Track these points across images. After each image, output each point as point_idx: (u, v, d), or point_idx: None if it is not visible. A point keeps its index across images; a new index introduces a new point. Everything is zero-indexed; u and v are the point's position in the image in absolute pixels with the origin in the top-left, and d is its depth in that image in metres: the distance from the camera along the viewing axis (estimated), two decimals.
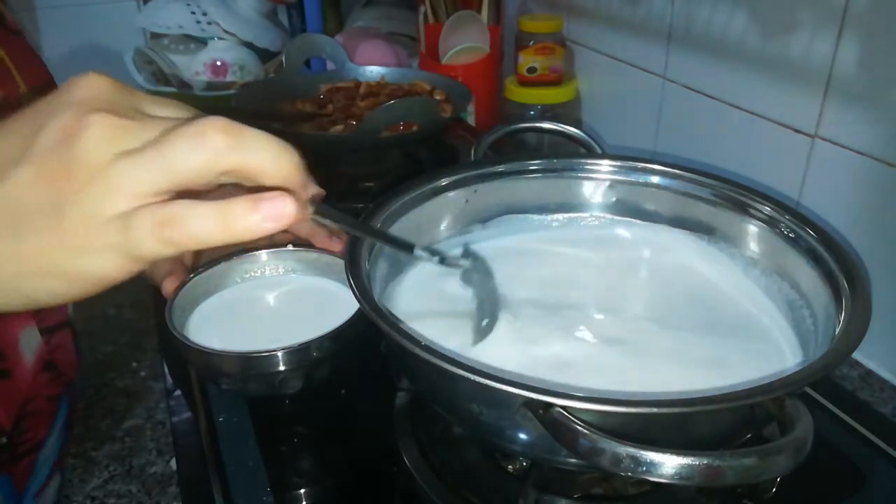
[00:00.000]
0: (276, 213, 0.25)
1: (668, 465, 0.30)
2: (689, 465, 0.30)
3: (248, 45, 1.20)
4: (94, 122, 0.25)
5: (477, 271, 0.49)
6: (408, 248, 0.43)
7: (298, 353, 0.49)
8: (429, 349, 0.36)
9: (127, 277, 0.27)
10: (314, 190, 0.30)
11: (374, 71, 1.05)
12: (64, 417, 0.55)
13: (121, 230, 0.25)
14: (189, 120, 0.26)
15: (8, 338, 0.49)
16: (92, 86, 0.26)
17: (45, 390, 0.53)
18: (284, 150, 0.27)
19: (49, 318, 0.54)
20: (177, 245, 0.25)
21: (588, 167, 0.59)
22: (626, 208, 0.59)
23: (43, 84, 0.46)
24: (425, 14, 1.10)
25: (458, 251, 0.56)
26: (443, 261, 0.45)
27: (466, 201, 0.58)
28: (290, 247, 0.59)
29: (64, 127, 0.25)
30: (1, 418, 0.48)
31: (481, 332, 0.46)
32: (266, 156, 0.26)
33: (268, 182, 0.27)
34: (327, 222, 0.33)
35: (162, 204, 0.25)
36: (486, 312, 0.47)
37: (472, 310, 0.48)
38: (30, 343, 0.51)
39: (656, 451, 0.30)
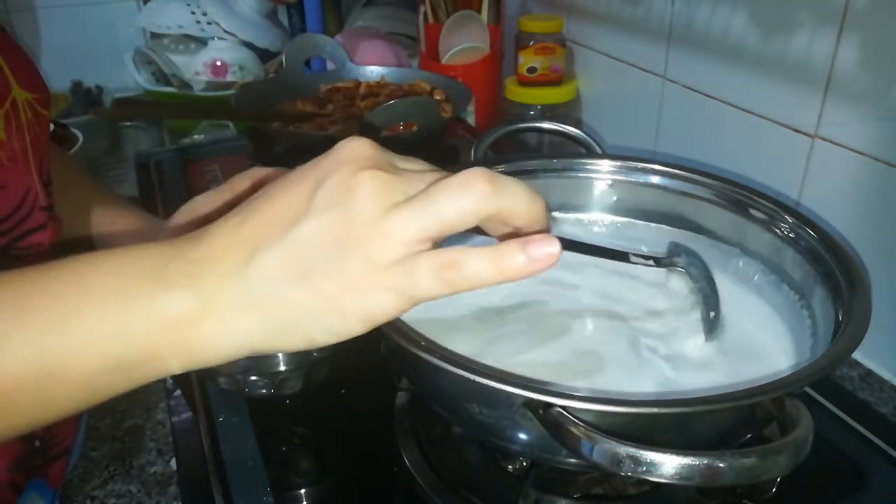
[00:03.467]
0: (545, 253, 0.28)
1: (668, 465, 0.30)
2: (689, 465, 0.30)
3: (248, 45, 1.20)
4: (367, 177, 0.28)
5: (692, 266, 0.50)
6: (623, 256, 0.45)
7: (299, 354, 0.49)
8: (429, 349, 0.36)
9: (398, 315, 0.29)
10: (550, 225, 0.33)
11: (374, 71, 1.05)
12: (86, 421, 0.55)
13: (403, 273, 0.28)
14: (447, 172, 0.30)
15: None
16: (359, 147, 0.30)
17: None
18: (536, 196, 0.30)
19: None
20: (455, 286, 0.28)
21: (588, 167, 0.59)
22: (626, 208, 0.59)
23: (34, 83, 0.46)
24: (425, 14, 1.10)
25: (662, 251, 0.54)
26: (658, 263, 0.48)
27: None
28: None
29: (340, 184, 0.28)
30: None
31: (711, 325, 0.47)
32: (521, 200, 0.29)
33: (518, 223, 0.30)
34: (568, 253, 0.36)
35: (441, 250, 0.28)
36: (712, 305, 0.48)
37: (695, 304, 0.50)
38: None
39: (656, 451, 0.30)
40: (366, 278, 0.28)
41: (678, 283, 0.52)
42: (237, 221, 0.30)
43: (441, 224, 0.28)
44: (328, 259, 0.28)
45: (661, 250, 0.56)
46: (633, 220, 0.59)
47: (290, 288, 0.28)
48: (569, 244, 0.40)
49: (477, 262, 0.28)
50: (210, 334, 0.29)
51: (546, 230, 0.31)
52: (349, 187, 0.28)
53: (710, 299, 0.48)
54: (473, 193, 0.28)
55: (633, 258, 0.45)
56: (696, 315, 0.49)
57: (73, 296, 0.29)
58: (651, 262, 0.46)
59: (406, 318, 0.43)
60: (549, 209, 0.31)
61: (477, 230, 0.32)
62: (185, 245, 0.30)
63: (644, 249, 0.58)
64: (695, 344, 0.47)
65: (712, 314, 0.47)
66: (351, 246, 0.28)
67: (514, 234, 0.31)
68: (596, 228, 0.60)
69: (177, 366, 0.30)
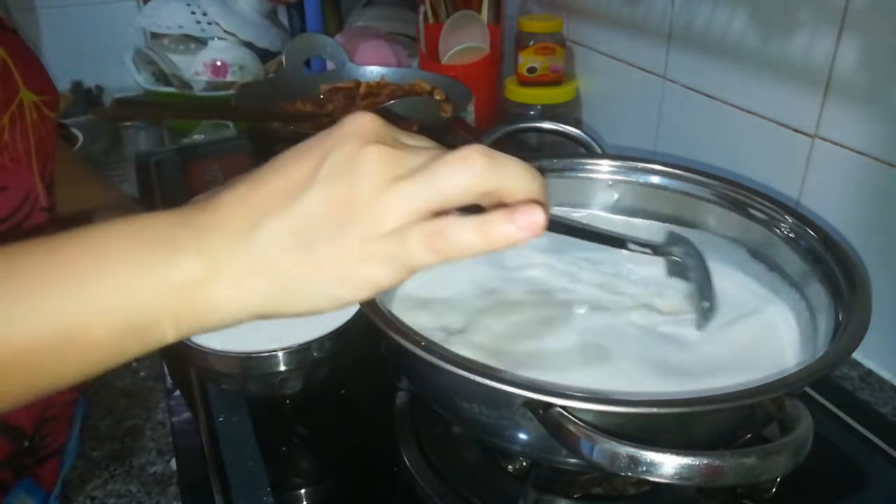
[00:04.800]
0: (530, 221, 0.28)
1: (668, 465, 0.30)
2: (689, 465, 0.30)
3: (248, 45, 1.20)
4: (370, 151, 0.29)
5: (689, 255, 0.51)
6: (620, 243, 0.46)
7: (299, 354, 0.49)
8: (429, 349, 0.36)
9: (396, 284, 0.31)
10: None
11: (374, 71, 1.05)
12: (80, 421, 0.55)
13: (397, 242, 0.29)
14: (451, 148, 0.30)
15: None
16: (365, 121, 0.31)
17: (63, 396, 0.54)
18: (533, 172, 0.31)
19: None
20: (443, 254, 0.29)
21: (588, 167, 0.59)
22: (626, 208, 0.59)
23: (42, 85, 0.46)
24: (425, 14, 1.10)
25: (660, 239, 0.55)
26: (656, 251, 0.48)
27: None
28: None
29: (345, 157, 0.29)
30: (22, 423, 0.48)
31: (705, 315, 0.48)
32: (519, 177, 0.30)
33: (517, 199, 0.30)
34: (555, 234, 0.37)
35: (430, 220, 0.29)
36: (706, 295, 0.49)
37: (691, 294, 0.50)
38: None
39: (656, 451, 0.30)
40: (364, 247, 0.29)
41: (675, 273, 0.52)
42: (244, 190, 0.31)
43: (440, 197, 0.29)
44: (330, 228, 0.29)
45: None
46: (632, 219, 0.59)
47: (293, 254, 0.30)
48: (567, 228, 0.40)
49: (464, 231, 0.29)
50: (217, 296, 0.30)
51: (542, 203, 0.31)
52: (353, 160, 0.29)
53: (704, 289, 0.49)
54: (472, 169, 0.29)
55: (630, 245, 0.46)
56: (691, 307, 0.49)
57: (86, 262, 0.30)
58: (648, 249, 0.47)
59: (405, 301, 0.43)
60: (547, 188, 0.32)
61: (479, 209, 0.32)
62: (193, 212, 0.31)
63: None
64: (692, 333, 0.47)
65: (706, 304, 0.48)
66: (352, 216, 0.29)
67: None
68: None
69: (183, 329, 0.31)
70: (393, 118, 0.79)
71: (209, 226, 0.30)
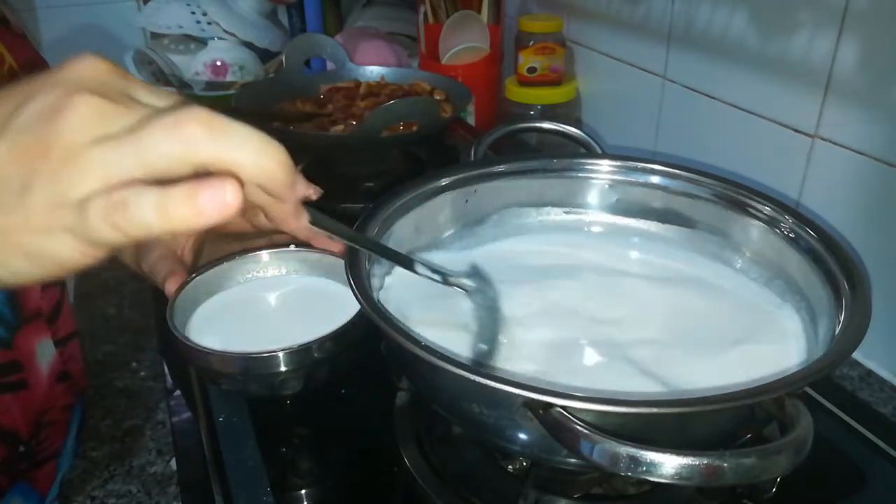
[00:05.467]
0: (216, 202, 0.24)
1: (668, 465, 0.30)
2: (689, 465, 0.30)
3: (248, 45, 1.20)
4: (79, 102, 0.24)
5: (480, 292, 0.48)
6: (408, 263, 0.42)
7: (299, 354, 0.49)
8: (429, 349, 0.36)
9: (92, 263, 0.26)
10: (304, 190, 0.29)
11: (374, 71, 1.05)
12: (77, 425, 0.55)
13: (78, 212, 0.24)
14: (170, 108, 0.25)
15: (26, 350, 0.49)
16: (87, 67, 0.26)
17: (60, 400, 0.54)
18: (268, 146, 0.26)
19: (61, 330, 0.54)
20: (124, 231, 0.24)
21: (588, 167, 0.59)
22: (626, 208, 0.59)
23: (31, 60, 0.45)
24: (425, 14, 1.10)
25: (462, 268, 0.53)
26: (445, 280, 0.44)
27: (466, 201, 0.58)
28: (291, 247, 0.59)
29: (50, 104, 0.25)
30: (19, 428, 0.48)
31: (480, 356, 0.45)
32: (246, 151, 0.25)
33: (248, 179, 0.26)
34: (324, 233, 0.32)
35: (116, 189, 0.24)
36: (485, 338, 0.46)
37: (473, 331, 0.47)
38: (45, 355, 0.51)
39: (656, 451, 0.30)
40: (47, 215, 0.24)
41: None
42: None
43: (143, 165, 0.24)
44: (11, 189, 0.24)
45: (655, 255, 0.57)
46: (633, 219, 0.59)
47: None
48: (351, 238, 0.36)
49: (144, 207, 0.24)
50: None
51: (289, 192, 0.27)
52: (56, 110, 0.24)
53: (484, 330, 0.46)
54: (184, 135, 0.24)
55: (418, 268, 0.43)
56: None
57: None
58: (438, 276, 0.44)
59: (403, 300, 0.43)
60: (292, 165, 0.26)
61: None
62: None
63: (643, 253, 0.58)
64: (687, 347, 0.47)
65: (483, 346, 0.45)
66: (39, 177, 0.24)
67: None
68: (595, 228, 0.60)
69: None
70: (395, 116, 0.79)
71: None
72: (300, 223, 0.31)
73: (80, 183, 0.24)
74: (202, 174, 0.25)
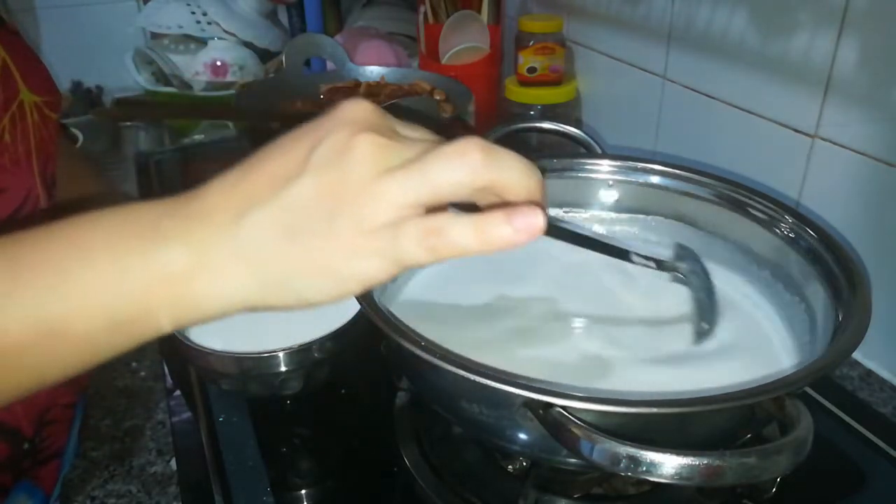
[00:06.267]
0: (529, 224, 0.27)
1: (668, 465, 0.30)
2: (689, 465, 0.30)
3: (248, 45, 1.20)
4: (363, 140, 0.28)
5: (694, 273, 0.49)
6: (624, 254, 0.44)
7: (299, 354, 0.49)
8: (429, 349, 0.36)
9: (388, 280, 0.30)
10: (546, 198, 0.32)
11: (374, 71, 1.05)
12: (80, 424, 0.55)
13: (390, 237, 0.28)
14: (447, 140, 0.29)
15: None
16: (359, 109, 0.30)
17: (62, 398, 0.54)
18: (531, 168, 0.30)
19: None
20: (438, 253, 0.28)
21: (588, 167, 0.59)
22: (626, 208, 0.59)
23: (43, 86, 0.46)
24: (425, 14, 1.10)
25: (669, 252, 0.54)
26: (661, 265, 0.47)
27: None
28: None
29: (339, 143, 0.28)
30: (22, 426, 0.48)
31: (701, 335, 0.47)
32: (516, 173, 0.29)
33: (513, 198, 0.29)
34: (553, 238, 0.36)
35: (427, 216, 0.28)
36: (706, 317, 0.48)
37: (691, 311, 0.48)
38: None
39: (656, 451, 0.30)
40: (354, 240, 0.28)
41: (679, 286, 0.52)
42: (233, 179, 0.30)
43: (433, 191, 0.28)
44: (319, 219, 0.28)
45: (663, 246, 0.57)
46: (634, 216, 0.59)
47: (280, 245, 0.29)
48: (572, 236, 0.39)
49: (460, 230, 0.28)
50: (203, 287, 0.29)
51: (541, 206, 0.30)
52: (345, 149, 0.28)
53: (706, 309, 0.48)
54: (468, 163, 0.28)
55: (634, 257, 0.45)
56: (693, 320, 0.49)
57: (69, 254, 0.29)
58: (652, 263, 0.46)
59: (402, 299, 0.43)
60: (545, 185, 0.31)
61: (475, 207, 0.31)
62: (180, 201, 0.30)
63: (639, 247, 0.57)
64: (693, 348, 0.47)
65: (705, 326, 0.47)
66: (342, 207, 0.28)
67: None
68: (595, 228, 0.60)
69: (169, 322, 0.30)
70: (404, 113, 0.79)
71: (195, 215, 0.29)
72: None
73: (378, 210, 0.28)
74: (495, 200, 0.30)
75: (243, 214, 0.29)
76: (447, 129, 0.96)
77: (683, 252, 0.51)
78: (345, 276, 0.29)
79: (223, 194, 0.30)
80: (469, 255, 0.28)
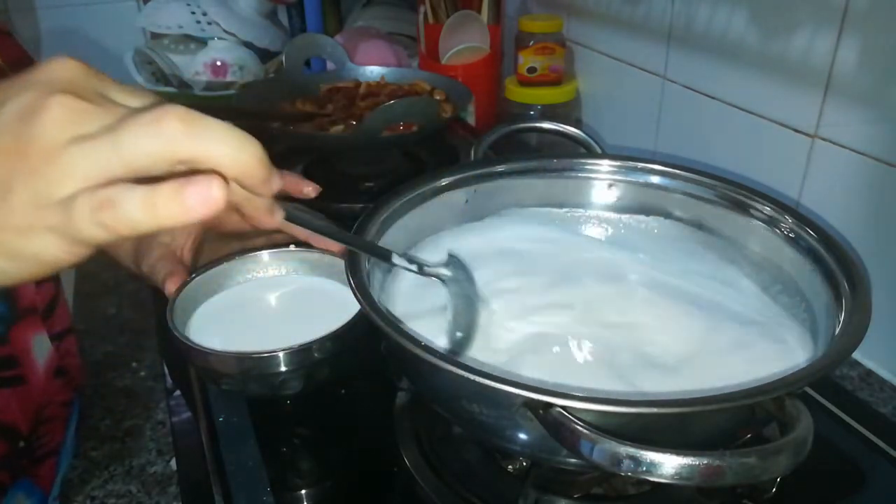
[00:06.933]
0: (203, 197, 0.24)
1: (668, 465, 0.30)
2: (689, 465, 0.30)
3: (248, 45, 1.20)
4: (55, 103, 0.25)
5: (457, 280, 0.48)
6: (385, 255, 0.43)
7: (299, 354, 0.49)
8: (429, 349, 0.36)
9: (76, 261, 0.27)
10: (278, 184, 0.28)
11: (374, 71, 1.05)
12: (76, 422, 0.55)
13: (63, 212, 0.25)
14: (148, 107, 0.26)
15: (22, 345, 0.50)
16: (61, 68, 0.26)
17: (58, 396, 0.54)
18: (245, 141, 0.26)
19: (56, 325, 0.54)
20: (111, 230, 0.25)
21: (588, 167, 0.59)
22: (626, 208, 0.59)
23: (18, 57, 0.46)
24: (425, 14, 1.10)
25: (440, 258, 0.52)
26: (421, 269, 0.45)
27: (466, 201, 0.58)
28: (291, 247, 0.59)
29: (25, 105, 0.25)
30: (18, 423, 0.48)
31: (455, 345, 0.45)
32: (224, 146, 0.26)
33: (226, 174, 0.26)
34: (298, 229, 0.32)
35: (101, 187, 0.25)
36: (461, 325, 0.46)
37: (448, 320, 0.47)
38: (41, 350, 0.52)
39: (656, 451, 0.30)
40: (29, 215, 0.25)
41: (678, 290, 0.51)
42: None
43: (124, 163, 0.25)
44: None
45: (652, 255, 0.57)
46: (634, 216, 0.59)
47: None
48: (323, 229, 0.36)
49: (132, 204, 0.24)
50: None
51: (265, 187, 0.27)
52: (32, 111, 0.25)
53: (459, 318, 0.47)
54: (164, 132, 0.25)
55: (395, 258, 0.43)
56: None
57: None
58: (414, 266, 0.44)
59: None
60: (268, 160, 0.27)
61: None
62: None
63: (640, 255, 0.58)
64: (687, 350, 0.46)
65: (459, 334, 0.46)
66: (20, 178, 0.25)
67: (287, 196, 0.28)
68: (595, 228, 0.60)
69: None
70: (395, 116, 0.79)
71: None
72: (275, 219, 0.32)
73: (60, 182, 0.24)
74: (184, 172, 0.26)
75: None
76: (446, 131, 0.96)
77: (453, 259, 0.49)
78: (22, 255, 0.26)
79: None
80: (144, 231, 0.25)
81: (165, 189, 0.24)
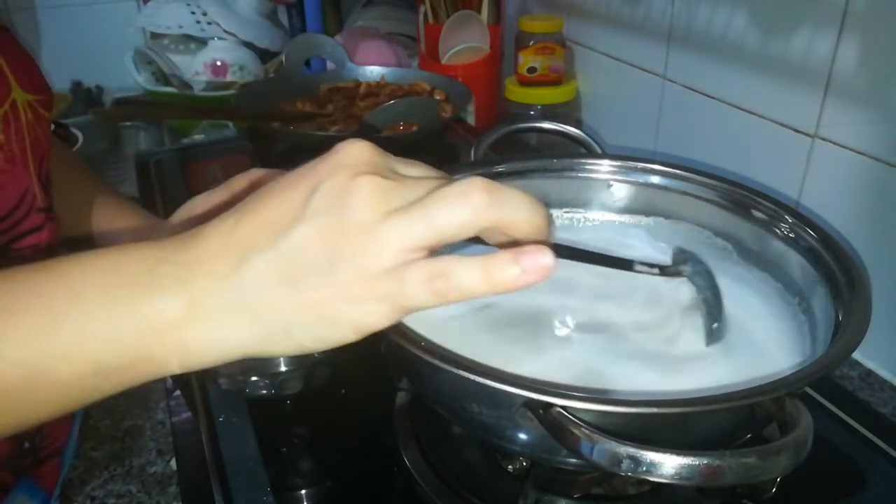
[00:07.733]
0: (537, 265, 0.27)
1: (668, 465, 0.30)
2: (689, 465, 0.30)
3: (248, 45, 1.20)
4: (364, 183, 0.27)
5: (698, 274, 0.49)
6: (627, 265, 0.44)
7: (300, 354, 0.49)
8: (429, 349, 0.36)
9: (389, 325, 0.29)
10: (553, 236, 0.32)
11: (374, 71, 1.05)
12: (80, 422, 0.55)
13: (394, 282, 0.27)
14: (450, 181, 0.29)
15: None
16: (359, 150, 0.29)
17: None
18: (536, 206, 0.29)
19: None
20: (444, 297, 0.27)
21: (588, 167, 0.59)
22: (626, 208, 0.59)
23: (36, 84, 0.46)
24: (425, 14, 1.10)
25: (667, 257, 0.54)
26: (663, 271, 0.46)
27: None
28: None
29: (338, 187, 0.28)
30: None
31: (713, 335, 0.46)
32: (521, 212, 0.29)
33: (520, 235, 0.29)
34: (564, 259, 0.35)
35: (432, 259, 0.27)
36: (715, 315, 0.47)
37: (702, 313, 0.48)
38: None
39: (656, 451, 0.30)
40: (356, 287, 0.27)
41: (679, 287, 0.52)
42: (230, 224, 0.29)
43: (437, 234, 0.27)
44: (320, 266, 0.27)
45: (662, 251, 0.57)
46: (634, 216, 0.59)
47: (279, 294, 0.28)
48: (570, 252, 0.39)
49: (467, 273, 0.27)
50: (199, 338, 0.29)
51: (547, 241, 0.30)
52: (345, 192, 0.27)
53: (713, 309, 0.47)
54: (471, 204, 0.27)
55: (637, 266, 0.44)
56: (697, 321, 0.49)
57: (61, 297, 0.28)
58: (656, 269, 0.46)
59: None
60: (552, 220, 0.31)
61: (476, 239, 0.31)
62: (177, 246, 0.29)
63: (640, 249, 0.58)
64: (694, 349, 0.47)
65: (715, 325, 0.47)
66: (343, 253, 0.27)
67: (515, 243, 0.31)
68: (595, 229, 0.60)
69: (177, 365, 0.29)
70: (395, 116, 0.79)
71: (192, 262, 0.29)
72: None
73: (378, 255, 0.27)
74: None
75: (242, 262, 0.28)
76: (446, 131, 0.96)
77: (684, 255, 0.51)
78: (345, 323, 0.28)
79: (220, 241, 0.29)
80: (477, 297, 0.28)
81: (503, 259, 0.27)
